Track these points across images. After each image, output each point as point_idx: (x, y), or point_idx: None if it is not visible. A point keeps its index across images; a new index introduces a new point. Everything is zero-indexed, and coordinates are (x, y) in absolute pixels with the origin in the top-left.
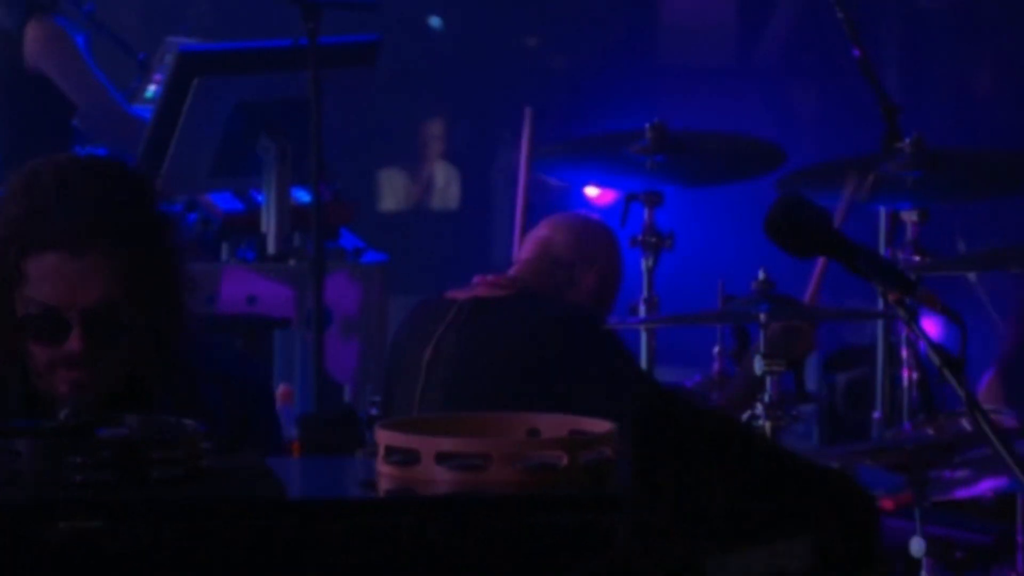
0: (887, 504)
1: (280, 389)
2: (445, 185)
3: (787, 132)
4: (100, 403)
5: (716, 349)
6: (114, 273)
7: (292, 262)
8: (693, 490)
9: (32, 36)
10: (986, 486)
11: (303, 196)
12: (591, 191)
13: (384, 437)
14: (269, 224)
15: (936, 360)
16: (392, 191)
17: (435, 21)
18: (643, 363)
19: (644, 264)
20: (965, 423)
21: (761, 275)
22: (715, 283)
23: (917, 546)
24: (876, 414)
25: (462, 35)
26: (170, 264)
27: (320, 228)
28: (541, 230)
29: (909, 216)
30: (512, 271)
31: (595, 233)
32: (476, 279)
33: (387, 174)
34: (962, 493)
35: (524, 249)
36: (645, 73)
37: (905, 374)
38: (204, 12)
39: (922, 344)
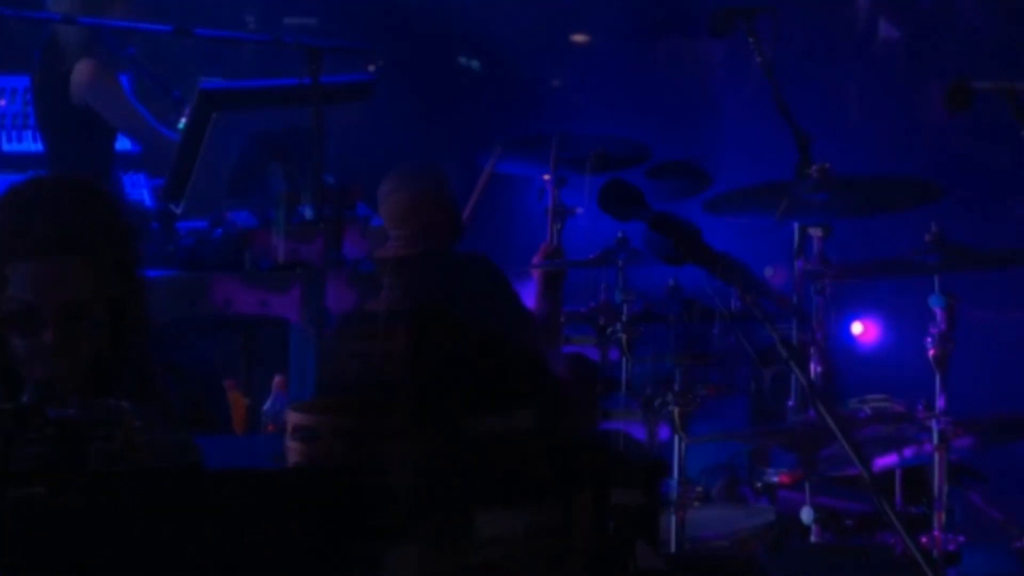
0: (783, 478)
1: (276, 379)
2: None
3: (717, 160)
4: (70, 389)
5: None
6: (84, 277)
7: (298, 270)
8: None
9: (79, 74)
10: (885, 462)
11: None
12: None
13: (291, 417)
14: (277, 239)
15: (783, 352)
16: None
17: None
18: None
19: None
20: (865, 410)
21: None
22: None
23: (807, 514)
24: (790, 403)
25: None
26: (132, 270)
27: (327, 241)
28: (392, 194)
29: (815, 231)
30: (399, 232)
31: (433, 176)
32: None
33: None
34: (854, 470)
35: (386, 212)
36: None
37: (812, 368)
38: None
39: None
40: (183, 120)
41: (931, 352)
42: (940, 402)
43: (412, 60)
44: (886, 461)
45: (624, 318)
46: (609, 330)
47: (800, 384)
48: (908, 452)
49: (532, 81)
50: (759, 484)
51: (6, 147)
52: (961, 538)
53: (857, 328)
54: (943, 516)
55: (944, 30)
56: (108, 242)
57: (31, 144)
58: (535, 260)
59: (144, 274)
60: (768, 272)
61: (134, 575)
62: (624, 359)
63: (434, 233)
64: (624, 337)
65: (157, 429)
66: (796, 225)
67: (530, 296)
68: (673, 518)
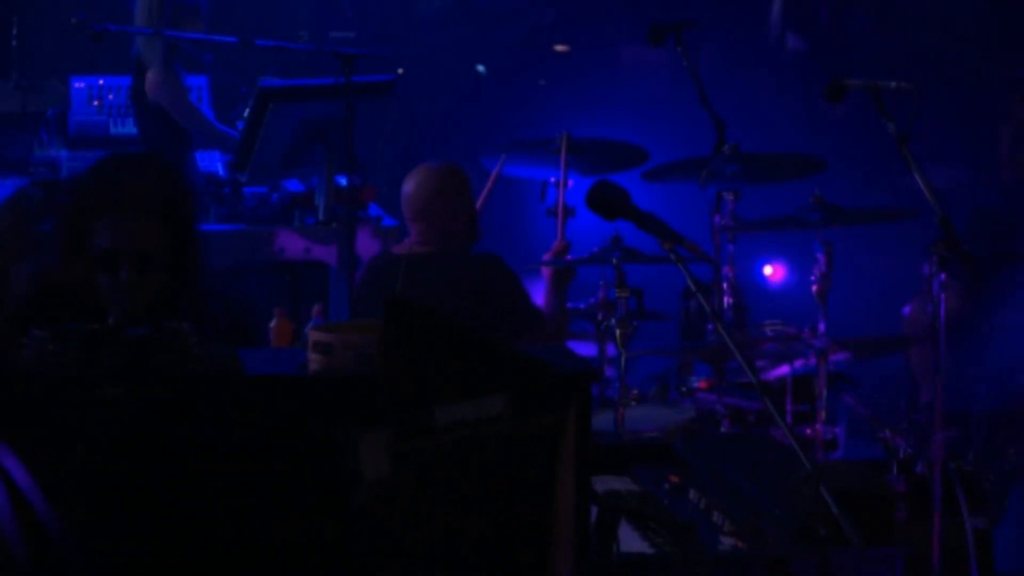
0: (702, 384)
1: (315, 307)
2: None
3: (653, 141)
4: (141, 315)
5: (603, 282)
6: (151, 231)
7: (334, 225)
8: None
9: (148, 82)
10: (780, 372)
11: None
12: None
13: (311, 334)
14: (320, 200)
15: (692, 286)
16: None
17: (481, 68)
18: None
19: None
20: (767, 331)
21: (614, 234)
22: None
23: (718, 410)
24: (709, 326)
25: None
26: (190, 226)
27: (351, 203)
28: (412, 200)
29: (728, 195)
30: (416, 235)
31: (453, 173)
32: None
33: None
34: (764, 376)
35: (413, 207)
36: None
37: (725, 300)
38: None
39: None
40: (247, 110)
41: (814, 288)
42: (821, 326)
43: (431, 67)
44: (780, 371)
45: (619, 315)
46: (604, 325)
47: (717, 312)
48: (798, 364)
49: (527, 86)
50: (684, 389)
51: (113, 130)
52: (837, 430)
53: (768, 270)
54: (823, 413)
55: (839, 39)
56: (170, 204)
57: (132, 128)
58: (546, 257)
59: (200, 228)
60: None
61: (185, 456)
62: (622, 354)
63: (452, 232)
64: (619, 332)
65: (207, 344)
66: (714, 190)
67: (539, 293)
68: (614, 414)
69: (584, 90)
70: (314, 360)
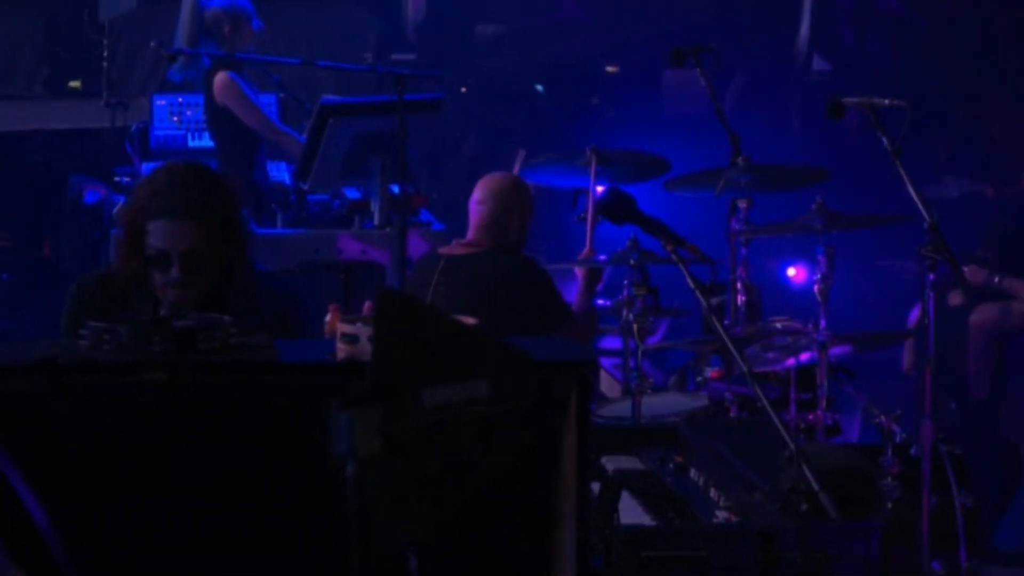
0: (713, 374)
1: (366, 304)
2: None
3: (676, 153)
4: (189, 308)
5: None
6: (198, 233)
7: (388, 229)
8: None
9: (216, 84)
10: (788, 363)
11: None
12: (791, 272)
13: (339, 326)
14: (375, 207)
15: (691, 284)
16: None
17: (539, 87)
18: None
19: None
20: (777, 326)
21: (632, 237)
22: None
23: (727, 398)
24: (727, 322)
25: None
26: (236, 229)
27: (404, 209)
28: (481, 203)
29: (742, 202)
30: (471, 235)
31: (511, 189)
32: (454, 241)
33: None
34: (773, 367)
35: (472, 216)
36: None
37: (739, 298)
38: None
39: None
40: (310, 124)
41: (816, 287)
42: (822, 321)
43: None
44: (788, 363)
45: (637, 311)
46: (622, 321)
47: (733, 309)
48: (804, 356)
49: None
50: (699, 378)
51: (191, 143)
52: (838, 416)
53: (791, 272)
54: (824, 400)
55: (862, 61)
56: (216, 210)
57: (208, 141)
58: (579, 258)
59: (246, 231)
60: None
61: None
62: (638, 346)
63: (506, 239)
64: (636, 327)
65: (248, 334)
66: (729, 198)
67: (572, 292)
68: (632, 401)
69: (630, 106)
70: (342, 349)
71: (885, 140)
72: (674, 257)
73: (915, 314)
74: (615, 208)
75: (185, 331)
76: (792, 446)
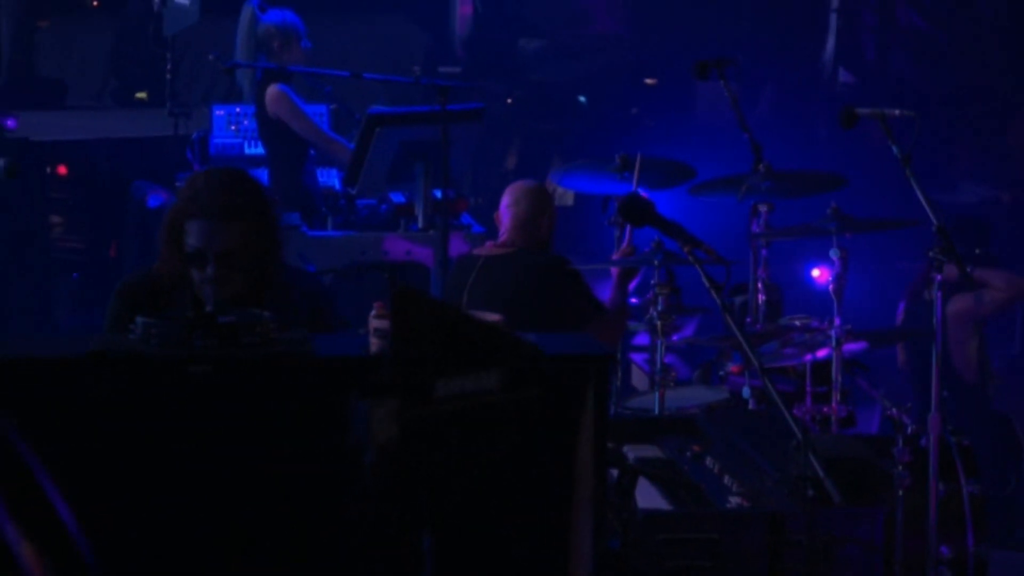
0: (734, 369)
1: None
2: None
3: (708, 160)
4: (229, 305)
5: (653, 281)
6: (234, 233)
7: (432, 231)
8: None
9: (268, 96)
10: (807, 358)
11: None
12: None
13: (372, 321)
14: (419, 210)
15: (706, 282)
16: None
17: (582, 98)
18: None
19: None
20: (795, 323)
21: (656, 239)
22: None
23: (746, 391)
24: (748, 320)
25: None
26: (270, 230)
27: (446, 213)
28: (513, 206)
29: (763, 207)
30: (504, 236)
31: (540, 192)
32: (487, 242)
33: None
34: (791, 363)
35: (505, 219)
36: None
37: (761, 297)
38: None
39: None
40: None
41: (831, 287)
42: (837, 319)
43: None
44: (806, 358)
45: (660, 309)
46: (646, 318)
47: (754, 307)
48: (821, 353)
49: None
50: (721, 373)
51: (247, 151)
52: (853, 408)
53: (816, 272)
54: (839, 394)
55: (884, 73)
56: (250, 211)
57: (262, 149)
58: (614, 257)
59: (279, 231)
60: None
61: (262, 421)
62: (661, 343)
63: (536, 240)
64: (659, 323)
65: (285, 329)
66: (751, 202)
67: (605, 290)
68: (656, 394)
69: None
70: (374, 343)
71: (895, 148)
72: (691, 258)
73: (900, 311)
74: (634, 211)
75: (228, 326)
76: (799, 435)
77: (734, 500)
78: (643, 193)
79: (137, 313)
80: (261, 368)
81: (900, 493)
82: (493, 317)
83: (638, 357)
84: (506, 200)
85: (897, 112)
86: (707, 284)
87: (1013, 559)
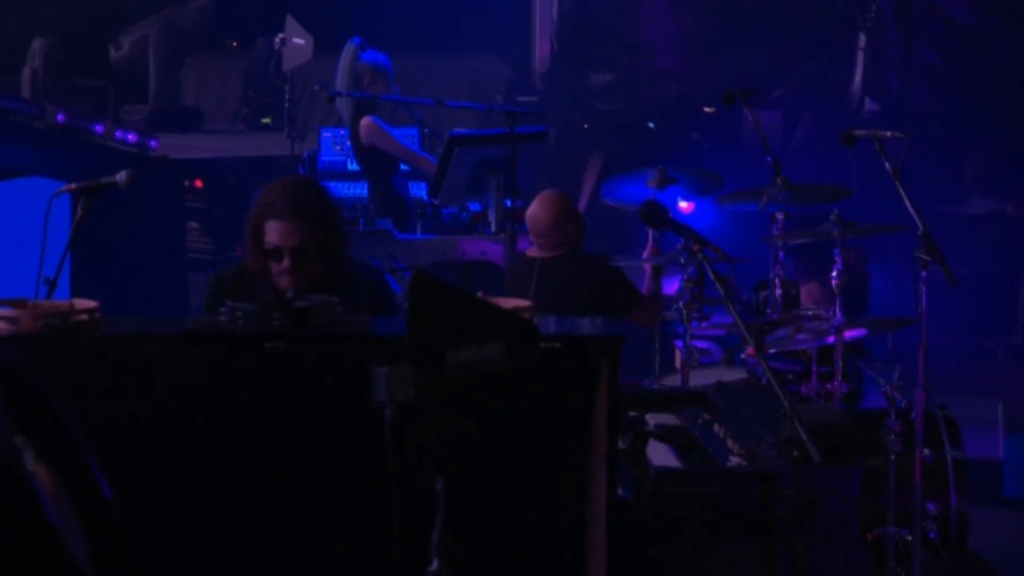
0: (750, 352)
1: (479, 293)
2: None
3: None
4: (303, 291)
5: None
6: (304, 231)
7: (502, 235)
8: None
9: (362, 128)
10: (820, 342)
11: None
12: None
13: None
14: (492, 217)
15: (712, 276)
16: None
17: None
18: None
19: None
20: (808, 312)
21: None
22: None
23: (760, 371)
24: (768, 311)
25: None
26: (335, 226)
27: (514, 220)
28: (540, 212)
29: (780, 214)
30: (540, 240)
31: (564, 199)
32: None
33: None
34: (802, 346)
35: (537, 224)
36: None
37: (778, 292)
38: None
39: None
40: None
41: (834, 283)
42: (838, 310)
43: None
44: (815, 343)
45: (686, 300)
46: (674, 307)
47: (772, 300)
48: (828, 340)
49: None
50: (741, 356)
51: (349, 167)
52: (852, 385)
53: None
54: (840, 373)
55: (906, 102)
56: (318, 213)
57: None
58: (643, 256)
59: (344, 230)
60: (682, 205)
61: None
62: (686, 329)
63: (566, 240)
64: (684, 313)
65: (350, 312)
66: (770, 210)
67: (641, 282)
68: (681, 374)
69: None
70: None
71: (887, 164)
72: (700, 257)
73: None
74: (652, 216)
75: (301, 309)
76: (786, 405)
77: (734, 460)
78: (683, 201)
79: (226, 299)
80: (328, 345)
81: (892, 458)
82: (519, 303)
83: (679, 343)
84: (535, 209)
85: (889, 134)
86: (713, 277)
87: (990, 515)
